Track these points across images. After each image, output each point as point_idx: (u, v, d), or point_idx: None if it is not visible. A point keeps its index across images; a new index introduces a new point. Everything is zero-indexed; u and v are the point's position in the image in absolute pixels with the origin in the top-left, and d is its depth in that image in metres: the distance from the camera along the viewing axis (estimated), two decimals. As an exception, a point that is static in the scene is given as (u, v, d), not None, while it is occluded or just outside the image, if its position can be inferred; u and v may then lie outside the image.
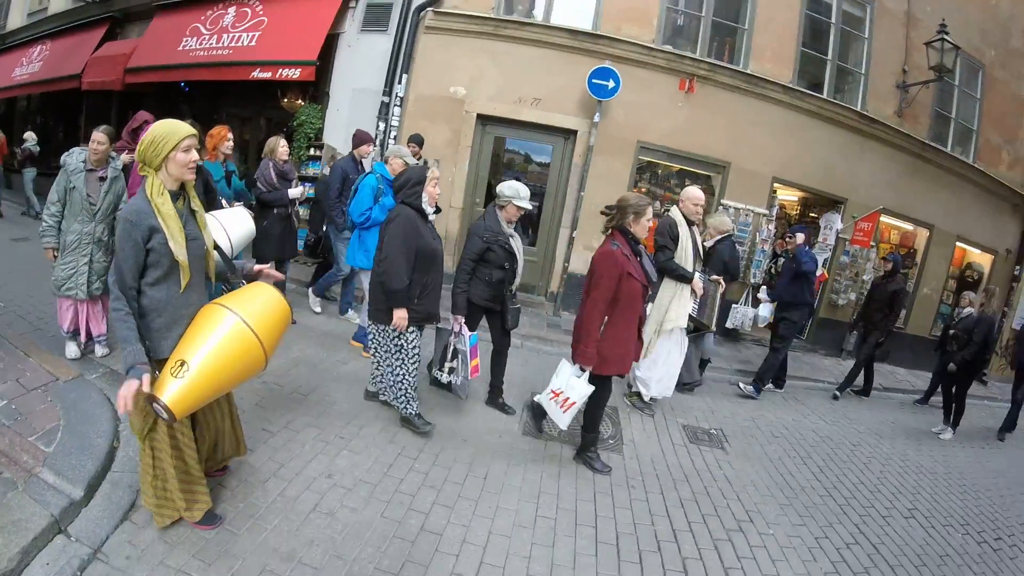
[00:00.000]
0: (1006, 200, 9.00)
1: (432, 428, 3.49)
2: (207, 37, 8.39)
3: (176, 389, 1.92)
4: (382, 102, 7.15)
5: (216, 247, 2.31)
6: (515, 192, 3.62)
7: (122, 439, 2.85)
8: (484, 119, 7.07)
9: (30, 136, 10.06)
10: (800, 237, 5.60)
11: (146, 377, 1.92)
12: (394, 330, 3.26)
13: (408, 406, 3.40)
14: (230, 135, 4.62)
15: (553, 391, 3.24)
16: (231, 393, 2.45)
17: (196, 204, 2.19)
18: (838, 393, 6.23)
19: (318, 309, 5.55)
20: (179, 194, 2.11)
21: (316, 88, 8.00)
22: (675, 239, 4.34)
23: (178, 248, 2.00)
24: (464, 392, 3.95)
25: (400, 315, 3.19)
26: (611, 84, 6.54)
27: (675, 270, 4.31)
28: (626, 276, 3.04)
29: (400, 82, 7.08)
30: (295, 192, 5.02)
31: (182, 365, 1.94)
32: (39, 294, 4.63)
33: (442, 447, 3.35)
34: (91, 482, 2.46)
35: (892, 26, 7.89)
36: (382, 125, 7.14)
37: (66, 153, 3.70)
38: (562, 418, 3.22)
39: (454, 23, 6.99)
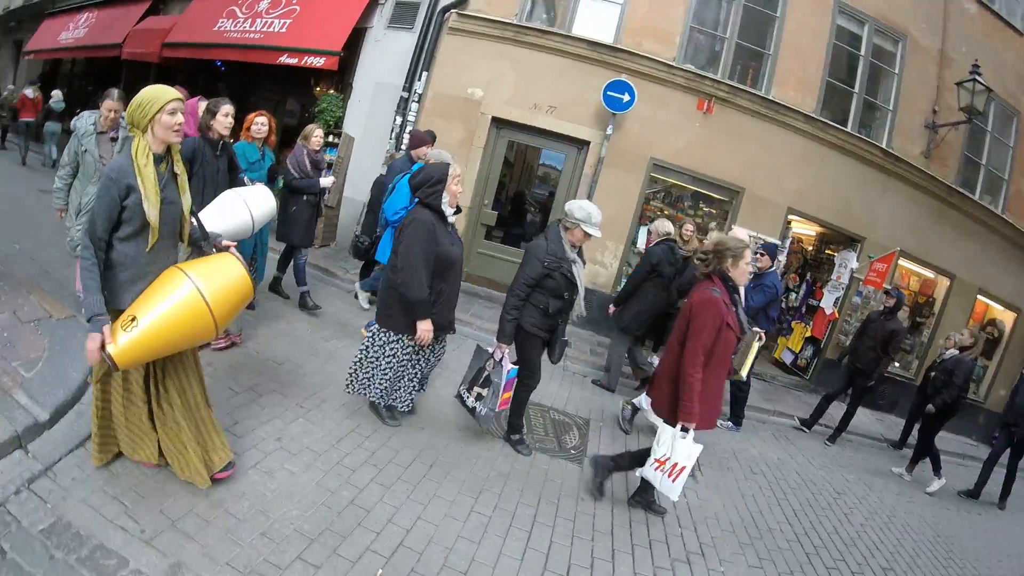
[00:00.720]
0: None
1: (399, 425, 3.46)
2: (242, 20, 8.79)
3: (123, 342, 2.04)
4: (401, 97, 7.38)
5: (193, 213, 2.42)
6: (587, 215, 3.25)
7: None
8: (499, 122, 7.20)
9: (56, 94, 10.99)
10: (766, 260, 5.23)
11: (106, 329, 2.04)
12: (409, 340, 3.18)
13: (374, 395, 3.33)
14: (260, 118, 4.59)
15: (657, 460, 2.94)
16: (209, 405, 2.51)
17: (179, 168, 2.30)
18: (829, 443, 6.00)
19: (366, 305, 5.54)
20: (163, 157, 2.22)
21: (341, 78, 8.33)
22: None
23: (151, 210, 2.11)
24: (486, 424, 3.58)
25: (425, 327, 3.08)
26: (626, 98, 6.63)
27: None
28: (725, 327, 2.87)
29: (420, 79, 7.29)
30: (326, 182, 5.10)
31: (132, 320, 2.06)
32: (52, 242, 4.98)
33: (394, 433, 3.38)
34: (58, 409, 2.66)
35: (924, 64, 7.82)
36: (399, 120, 7.35)
37: (76, 117, 3.79)
38: (673, 488, 2.94)
39: (477, 26, 7.17)
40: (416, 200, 3.22)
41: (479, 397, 3.40)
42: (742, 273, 3.04)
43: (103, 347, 2.04)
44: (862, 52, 7.64)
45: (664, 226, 5.24)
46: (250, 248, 4.14)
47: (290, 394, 3.46)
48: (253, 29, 8.54)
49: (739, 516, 3.75)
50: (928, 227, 7.93)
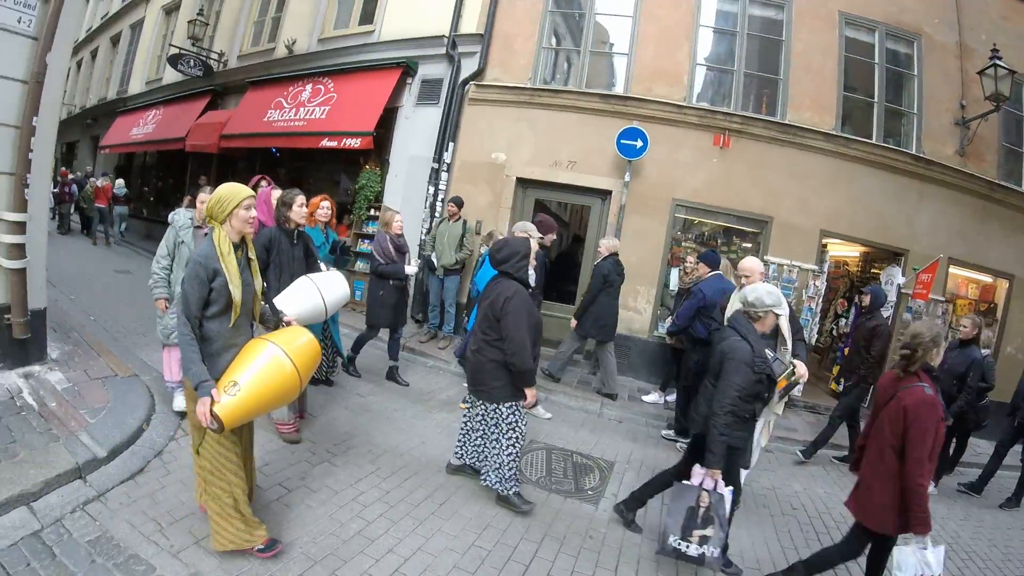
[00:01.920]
0: None
1: (532, 507, 3.70)
2: (287, 110, 9.98)
3: (226, 403, 2.41)
4: (432, 168, 8.19)
5: (264, 294, 2.89)
6: (777, 299, 3.18)
7: (151, 423, 3.86)
8: (523, 182, 7.87)
9: (119, 182, 13.74)
10: (703, 268, 5.49)
11: (214, 391, 2.41)
12: (514, 407, 3.51)
13: (505, 484, 3.59)
14: (325, 204, 5.01)
15: None
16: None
17: (252, 254, 2.73)
18: (799, 454, 5.73)
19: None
20: (239, 245, 2.65)
21: (380, 155, 9.39)
22: (722, 309, 4.34)
23: (235, 290, 2.52)
24: (718, 565, 3.32)
25: (533, 392, 3.43)
26: (639, 144, 7.11)
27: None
28: (940, 422, 2.78)
29: (447, 150, 8.08)
30: (411, 269, 5.54)
31: (234, 384, 2.44)
32: (123, 315, 6.29)
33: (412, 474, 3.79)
34: (115, 448, 3.40)
35: (944, 60, 7.86)
36: (431, 189, 8.17)
37: (173, 212, 4.20)
38: None
39: (494, 94, 7.94)
40: (497, 273, 3.53)
41: (704, 540, 3.11)
42: (940, 356, 2.92)
43: (211, 411, 2.39)
44: (876, 60, 7.79)
45: (612, 242, 6.15)
46: (318, 332, 4.58)
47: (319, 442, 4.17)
48: (297, 118, 9.71)
49: (767, 553, 3.83)
50: (974, 229, 7.88)
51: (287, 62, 10.66)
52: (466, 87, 8.16)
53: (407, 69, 8.76)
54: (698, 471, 3.16)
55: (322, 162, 10.48)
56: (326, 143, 8.93)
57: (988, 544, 4.72)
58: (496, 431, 3.57)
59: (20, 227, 4.18)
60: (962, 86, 7.92)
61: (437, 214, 7.98)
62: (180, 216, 4.12)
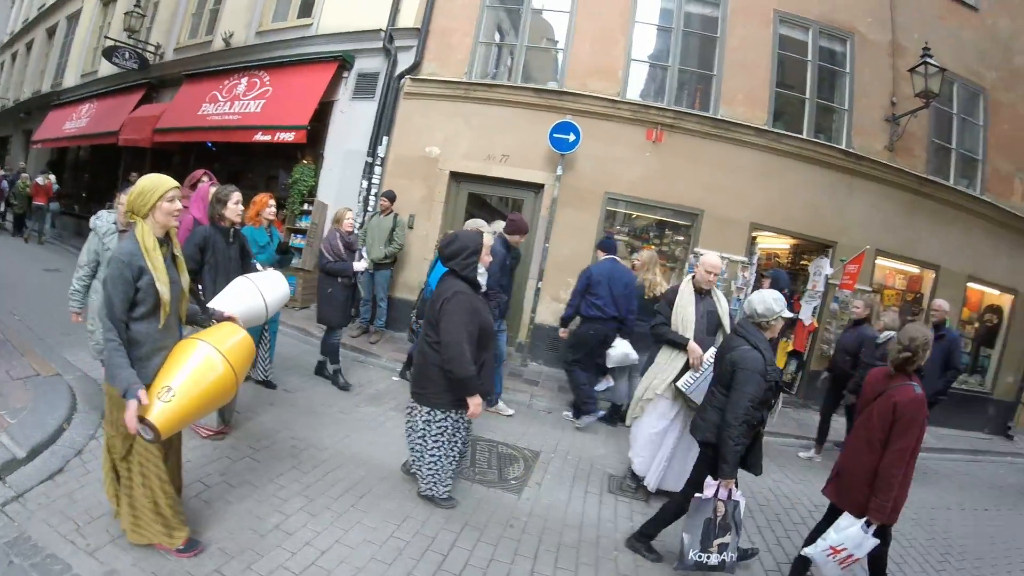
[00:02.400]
0: (1023, 234, 8.84)
1: (456, 503, 3.66)
2: (222, 103, 9.79)
3: (161, 409, 2.30)
4: (366, 162, 8.14)
5: (192, 291, 2.80)
6: (783, 305, 3.23)
7: (72, 423, 3.77)
8: (457, 176, 7.86)
9: (51, 179, 12.97)
10: (599, 253, 5.68)
11: (142, 393, 2.28)
12: (447, 416, 3.38)
13: (426, 485, 3.54)
14: (272, 202, 4.91)
15: (832, 547, 3.02)
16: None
17: (177, 250, 2.61)
18: (815, 456, 6.06)
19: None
20: (164, 241, 2.51)
21: (313, 150, 9.32)
22: (670, 304, 4.25)
23: (163, 288, 2.41)
24: (736, 566, 3.35)
25: (476, 402, 3.23)
26: (572, 138, 7.17)
27: (664, 335, 4.21)
28: (924, 421, 2.98)
29: (382, 144, 8.04)
30: (360, 266, 5.50)
31: (168, 390, 2.34)
32: (50, 313, 6.13)
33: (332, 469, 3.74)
34: (35, 448, 3.33)
35: (876, 58, 8.14)
36: (365, 183, 8.09)
37: (94, 216, 3.91)
38: (839, 574, 3.05)
39: (430, 88, 7.92)
40: (447, 270, 3.36)
41: (723, 548, 3.16)
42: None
43: (142, 421, 2.28)
44: (809, 57, 8.01)
45: (476, 224, 5.93)
46: (258, 332, 4.53)
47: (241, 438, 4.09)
48: (232, 111, 9.54)
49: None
50: (902, 221, 8.17)
51: (224, 55, 10.51)
52: (402, 81, 8.14)
53: (344, 63, 8.73)
54: (711, 483, 3.17)
55: (259, 157, 10.33)
56: (259, 137, 8.84)
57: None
58: (426, 434, 3.46)
59: None
60: (893, 83, 8.21)
61: (371, 208, 7.94)
62: (102, 221, 3.86)
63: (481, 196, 8.38)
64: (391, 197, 7.22)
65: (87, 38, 15.06)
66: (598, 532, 3.79)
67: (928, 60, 7.43)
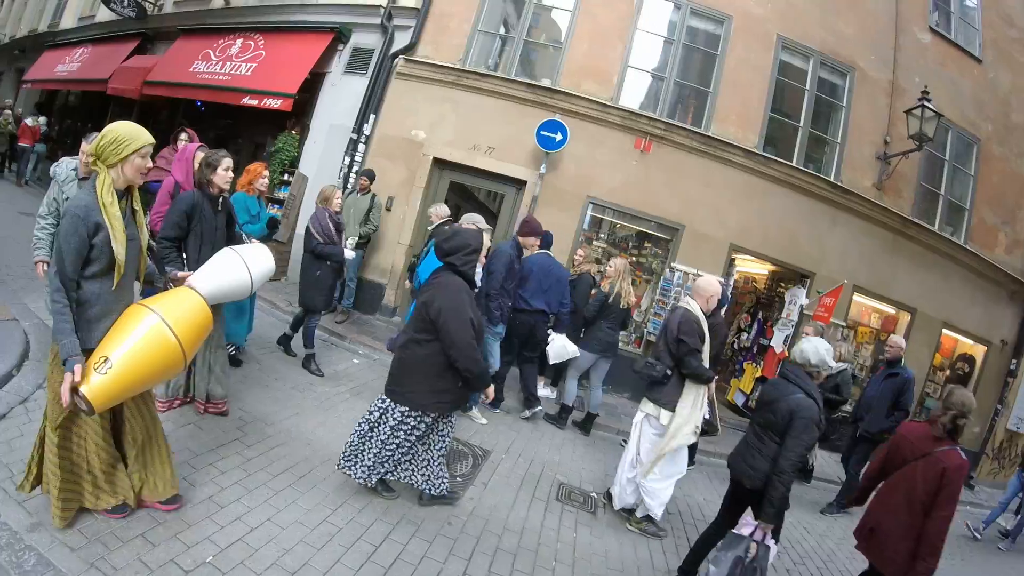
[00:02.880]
0: (1002, 286, 8.91)
1: (396, 495, 3.57)
2: (214, 63, 9.73)
3: (97, 382, 2.16)
4: (350, 139, 8.10)
5: (150, 249, 2.70)
6: (832, 356, 3.35)
7: (22, 370, 3.79)
8: (440, 163, 7.84)
9: (42, 120, 13.09)
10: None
11: (78, 368, 2.14)
12: (413, 416, 3.27)
13: (369, 478, 3.39)
14: (266, 172, 4.79)
15: None
16: (163, 434, 2.76)
17: (137, 204, 2.46)
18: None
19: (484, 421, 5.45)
20: (123, 194, 2.36)
21: (300, 120, 9.30)
22: (702, 338, 4.01)
23: (119, 248, 2.26)
24: None
25: (491, 390, 3.36)
26: (559, 137, 7.18)
27: (703, 373, 3.99)
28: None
29: (368, 121, 8.01)
30: (350, 253, 5.41)
31: (104, 361, 2.19)
32: (18, 258, 6.09)
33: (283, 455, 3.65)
34: None
35: (874, 95, 8.22)
36: (347, 160, 8.05)
37: (55, 164, 3.78)
38: None
39: (422, 71, 7.89)
40: (441, 264, 3.30)
41: None
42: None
43: (75, 390, 2.15)
44: (807, 86, 8.08)
45: (440, 210, 6.09)
46: (238, 307, 4.50)
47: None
48: (223, 72, 9.48)
49: (635, 560, 3.82)
50: (883, 260, 8.23)
51: (222, 13, 10.46)
52: (396, 60, 8.10)
53: (339, 35, 8.68)
54: (749, 521, 3.20)
55: (248, 122, 10.25)
56: (247, 100, 8.78)
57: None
58: (386, 430, 3.29)
59: None
60: (889, 122, 8.30)
61: (350, 186, 7.93)
62: (62, 168, 3.75)
63: (463, 186, 8.37)
64: (371, 176, 7.21)
65: (89, -20, 14.92)
66: (539, 540, 3.72)
67: (926, 104, 7.50)
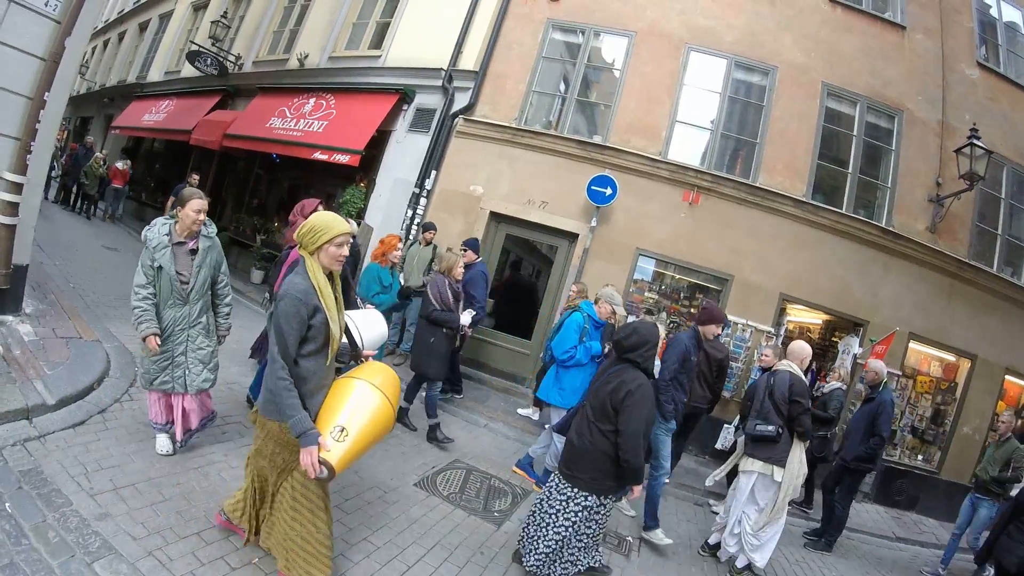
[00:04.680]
0: None
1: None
2: (289, 119, 10.86)
3: (338, 450, 2.47)
4: (413, 192, 8.96)
5: (346, 331, 2.91)
6: None
7: (103, 385, 4.40)
8: (496, 216, 8.55)
9: (127, 163, 14.49)
10: (470, 255, 6.07)
11: (323, 440, 2.42)
12: (604, 506, 3.49)
13: (541, 569, 3.56)
14: (400, 244, 5.10)
15: None
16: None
17: (338, 291, 2.70)
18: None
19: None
20: (329, 277, 2.62)
21: (366, 174, 10.24)
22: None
23: (335, 327, 2.52)
24: None
25: (639, 488, 3.43)
26: (608, 191, 7.77)
27: (810, 431, 4.60)
28: None
29: (429, 177, 8.85)
30: (467, 318, 5.49)
31: (341, 430, 2.48)
32: (102, 286, 7.09)
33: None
34: (63, 399, 3.93)
35: (923, 136, 8.39)
36: (410, 212, 8.91)
37: (146, 227, 3.56)
38: None
39: (480, 129, 8.67)
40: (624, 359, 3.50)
41: None
42: None
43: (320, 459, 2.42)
44: (855, 132, 8.35)
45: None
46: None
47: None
48: (296, 128, 10.57)
49: None
50: (939, 306, 8.32)
51: (297, 74, 11.60)
52: (455, 120, 8.95)
53: (404, 96, 9.59)
54: None
55: (319, 174, 11.31)
56: (318, 155, 9.76)
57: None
58: (552, 511, 3.52)
59: (17, 188, 4.85)
60: (940, 163, 8.45)
61: (411, 236, 8.75)
62: (155, 233, 3.49)
63: (520, 238, 9.01)
64: (433, 228, 7.98)
65: (175, 38, 16.64)
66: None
67: (975, 141, 7.64)
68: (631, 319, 4.04)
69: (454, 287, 5.37)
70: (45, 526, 2.82)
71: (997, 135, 8.19)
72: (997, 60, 9.04)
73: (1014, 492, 5.91)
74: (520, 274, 9.55)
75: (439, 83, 9.24)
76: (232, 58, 13.45)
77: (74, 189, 14.51)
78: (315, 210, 4.76)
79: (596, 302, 5.13)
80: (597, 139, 8.45)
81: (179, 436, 3.82)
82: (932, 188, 8.44)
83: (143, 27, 19.53)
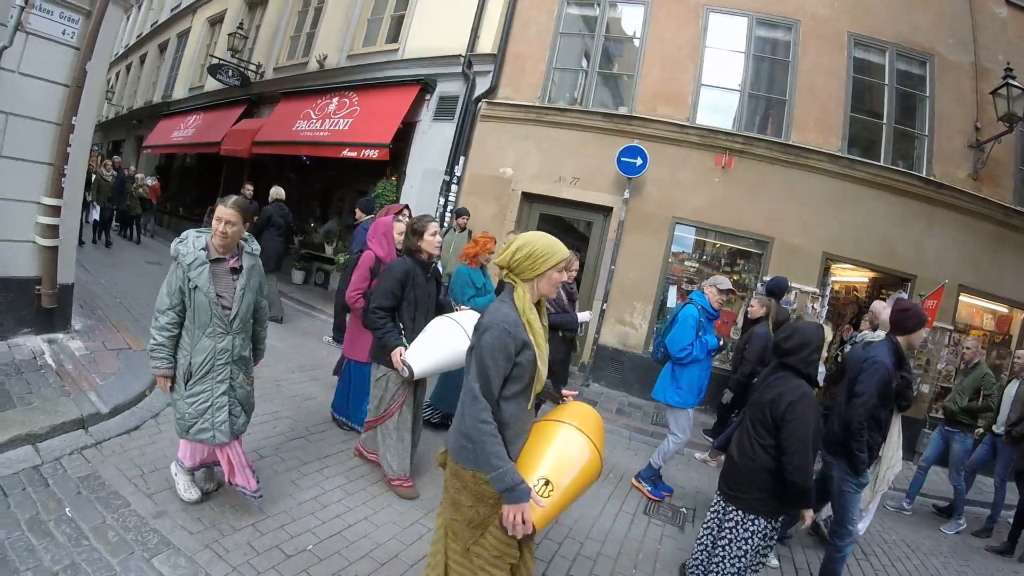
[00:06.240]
0: None
1: None
2: (314, 120, 10.99)
3: (544, 508, 2.08)
4: (444, 181, 9.00)
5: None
6: None
7: (154, 391, 4.48)
8: (528, 196, 8.53)
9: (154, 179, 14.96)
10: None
11: (536, 496, 2.04)
12: (775, 530, 3.09)
13: None
14: (493, 244, 4.73)
15: None
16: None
17: (545, 321, 2.29)
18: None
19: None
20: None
21: (396, 167, 10.28)
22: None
23: (543, 366, 2.14)
24: None
25: (810, 515, 3.02)
26: (639, 162, 7.67)
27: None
28: None
29: (458, 163, 8.88)
30: (584, 316, 5.14)
31: (546, 484, 2.10)
32: (147, 299, 7.02)
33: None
34: (117, 407, 4.06)
35: (957, 80, 8.10)
36: (442, 200, 8.95)
37: (177, 240, 2.94)
38: None
39: (504, 112, 8.66)
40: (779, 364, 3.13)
41: None
42: None
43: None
44: (886, 81, 8.10)
45: (277, 192, 8.02)
46: (458, 377, 4.40)
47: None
48: (323, 128, 10.70)
49: None
50: (987, 256, 8.04)
51: (318, 76, 11.71)
52: (479, 104, 8.94)
53: (425, 86, 9.62)
54: None
55: (349, 172, 11.41)
56: (347, 153, 9.86)
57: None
58: (734, 538, 3.12)
59: (55, 210, 4.99)
60: (976, 107, 8.13)
61: (445, 224, 8.77)
62: (189, 247, 2.89)
63: (555, 216, 8.95)
64: (466, 214, 7.99)
65: (195, 54, 16.93)
66: (620, 549, 3.92)
67: (1010, 81, 7.35)
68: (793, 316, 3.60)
69: (567, 287, 4.95)
70: (104, 527, 2.90)
71: (1031, 70, 7.83)
72: (1026, -5, 8.64)
73: (998, 429, 5.73)
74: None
75: (459, 70, 9.23)
76: (253, 67, 13.63)
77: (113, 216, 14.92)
78: (400, 214, 4.58)
79: (703, 289, 4.77)
80: (623, 110, 8.35)
81: (227, 480, 3.29)
82: (971, 134, 8.13)
83: (162, 48, 19.92)
